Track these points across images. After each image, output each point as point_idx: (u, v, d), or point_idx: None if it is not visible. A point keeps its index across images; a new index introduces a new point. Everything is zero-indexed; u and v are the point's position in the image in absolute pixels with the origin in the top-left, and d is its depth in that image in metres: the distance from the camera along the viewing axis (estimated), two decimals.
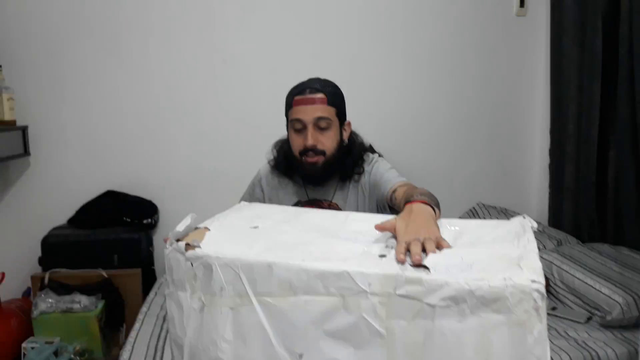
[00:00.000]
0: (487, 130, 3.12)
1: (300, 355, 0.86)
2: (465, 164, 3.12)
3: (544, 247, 2.55)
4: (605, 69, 2.50)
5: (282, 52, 2.84)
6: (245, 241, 0.99)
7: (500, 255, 0.87)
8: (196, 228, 1.05)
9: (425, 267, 0.83)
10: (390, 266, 0.84)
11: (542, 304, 0.76)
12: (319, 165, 1.54)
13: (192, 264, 0.92)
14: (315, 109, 1.51)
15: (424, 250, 0.91)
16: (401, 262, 0.86)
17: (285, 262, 0.86)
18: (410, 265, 0.84)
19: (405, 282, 0.79)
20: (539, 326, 0.77)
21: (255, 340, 0.88)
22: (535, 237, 2.89)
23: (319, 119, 1.51)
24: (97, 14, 2.68)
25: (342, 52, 2.89)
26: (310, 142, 1.51)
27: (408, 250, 0.90)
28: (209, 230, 1.03)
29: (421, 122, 3.03)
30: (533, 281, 0.76)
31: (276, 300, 0.86)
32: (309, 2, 2.85)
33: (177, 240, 0.97)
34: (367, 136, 2.82)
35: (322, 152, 1.53)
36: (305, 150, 1.53)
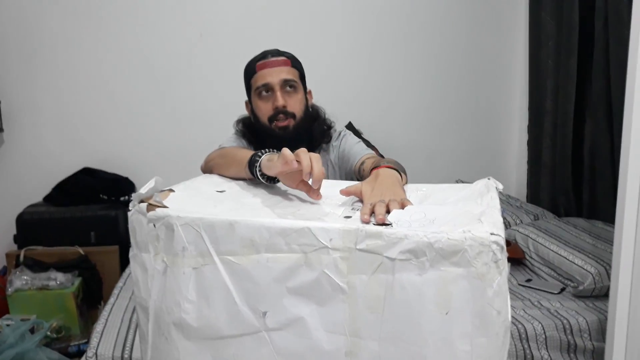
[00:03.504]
0: (467, 107, 3.11)
1: (264, 313, 0.85)
2: (444, 141, 3.12)
3: (521, 221, 2.58)
4: (582, 44, 2.51)
5: (260, 25, 2.80)
6: (209, 202, 0.98)
7: (463, 212, 0.87)
8: (162, 191, 1.03)
9: (389, 225, 0.82)
10: (352, 223, 0.83)
11: (502, 257, 0.77)
12: (290, 129, 1.46)
13: (154, 225, 0.91)
14: (280, 71, 1.46)
15: (388, 211, 0.91)
16: (365, 222, 0.86)
17: (246, 219, 0.85)
18: (374, 225, 0.84)
19: (366, 237, 0.79)
20: (499, 279, 0.77)
21: (218, 299, 0.87)
22: (513, 212, 2.85)
23: (286, 80, 1.46)
24: None
25: (322, 27, 2.86)
26: (280, 102, 1.43)
27: (373, 212, 0.90)
28: (174, 192, 1.01)
29: (401, 100, 3.02)
30: (492, 234, 0.76)
31: (239, 258, 0.85)
32: None
33: (140, 202, 0.95)
34: (349, 114, 2.81)
35: (292, 115, 1.47)
36: (275, 115, 1.46)
